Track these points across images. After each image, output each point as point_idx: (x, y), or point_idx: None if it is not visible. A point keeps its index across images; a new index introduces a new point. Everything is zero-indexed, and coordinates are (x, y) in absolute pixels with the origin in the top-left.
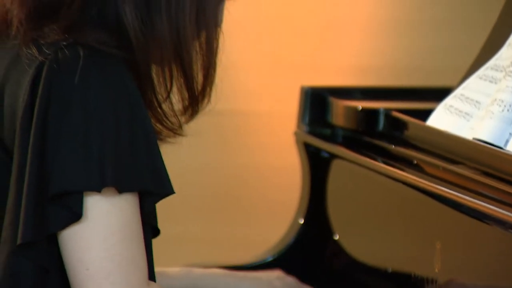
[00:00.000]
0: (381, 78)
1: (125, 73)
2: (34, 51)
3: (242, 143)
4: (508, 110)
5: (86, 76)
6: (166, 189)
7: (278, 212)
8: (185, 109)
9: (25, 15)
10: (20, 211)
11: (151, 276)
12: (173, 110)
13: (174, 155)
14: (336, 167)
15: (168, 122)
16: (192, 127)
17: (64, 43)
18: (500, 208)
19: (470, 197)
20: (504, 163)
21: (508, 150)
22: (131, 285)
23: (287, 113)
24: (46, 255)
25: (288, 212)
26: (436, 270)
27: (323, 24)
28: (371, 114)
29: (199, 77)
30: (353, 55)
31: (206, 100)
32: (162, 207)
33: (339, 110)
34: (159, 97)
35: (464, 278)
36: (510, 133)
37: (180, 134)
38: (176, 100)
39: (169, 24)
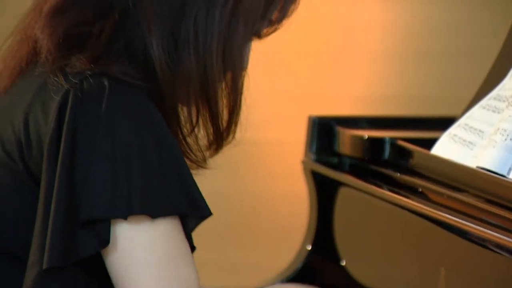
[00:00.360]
0: (388, 108)
1: (149, 102)
2: (60, 79)
3: (252, 171)
4: (511, 139)
5: (111, 105)
6: (202, 211)
7: (287, 239)
8: (210, 144)
9: (54, 45)
10: (47, 235)
11: None
12: (197, 144)
13: None
14: (342, 194)
15: (192, 155)
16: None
17: (90, 72)
18: (503, 234)
19: (474, 224)
20: (507, 191)
21: (511, 178)
22: None
23: (295, 142)
24: (71, 279)
25: (296, 239)
26: None
27: (331, 56)
28: (377, 143)
29: (224, 114)
30: (361, 85)
31: (231, 137)
32: None
33: (346, 139)
34: (184, 130)
35: None
36: None
37: (203, 167)
38: (202, 135)
39: (196, 61)
